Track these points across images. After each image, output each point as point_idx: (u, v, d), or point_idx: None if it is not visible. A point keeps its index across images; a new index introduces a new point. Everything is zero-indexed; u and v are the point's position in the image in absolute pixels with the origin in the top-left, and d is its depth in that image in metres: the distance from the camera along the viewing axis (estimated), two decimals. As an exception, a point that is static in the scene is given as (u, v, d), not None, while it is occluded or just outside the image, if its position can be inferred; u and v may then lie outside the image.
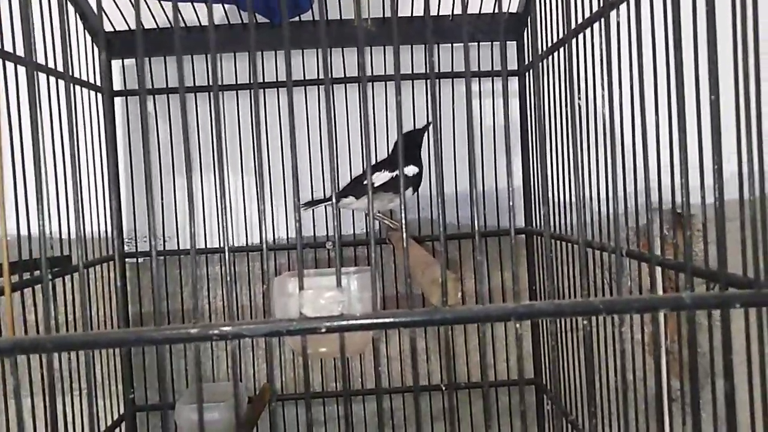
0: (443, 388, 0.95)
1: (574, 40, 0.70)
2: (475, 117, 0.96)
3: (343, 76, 0.94)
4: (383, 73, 0.94)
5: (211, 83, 0.92)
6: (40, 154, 0.35)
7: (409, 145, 0.87)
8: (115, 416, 0.87)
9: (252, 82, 0.93)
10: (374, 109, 0.94)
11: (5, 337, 0.33)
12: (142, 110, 0.35)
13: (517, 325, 0.35)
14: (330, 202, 0.84)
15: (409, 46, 0.91)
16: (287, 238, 0.97)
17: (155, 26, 0.88)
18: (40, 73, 0.69)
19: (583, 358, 0.70)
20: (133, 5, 0.83)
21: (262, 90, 0.94)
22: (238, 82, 0.94)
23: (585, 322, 0.36)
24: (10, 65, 0.67)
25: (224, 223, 0.35)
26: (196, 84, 0.93)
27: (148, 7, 0.86)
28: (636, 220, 0.58)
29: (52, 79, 0.74)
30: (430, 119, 0.90)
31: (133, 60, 0.93)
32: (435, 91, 0.37)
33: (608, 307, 0.35)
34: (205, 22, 0.91)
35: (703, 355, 0.69)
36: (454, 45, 0.94)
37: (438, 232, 0.95)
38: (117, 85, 0.94)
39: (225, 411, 0.83)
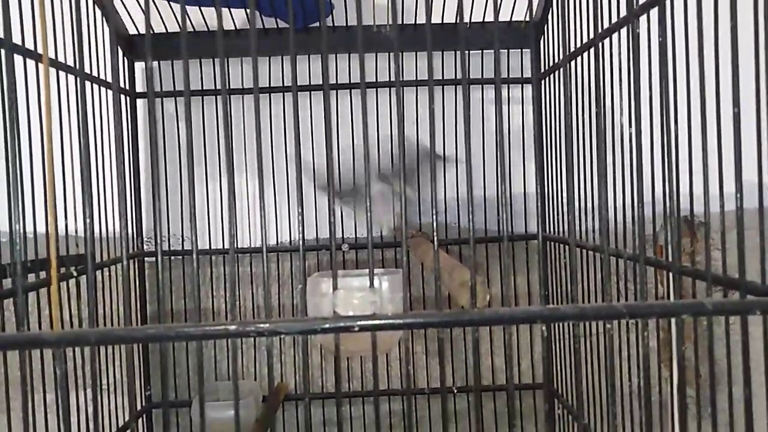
0: (455, 391, 0.96)
1: (593, 48, 0.71)
2: (489, 123, 0.97)
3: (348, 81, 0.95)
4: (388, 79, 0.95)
5: (238, 87, 0.94)
6: (89, 158, 0.36)
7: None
8: (133, 412, 0.89)
9: (284, 85, 0.94)
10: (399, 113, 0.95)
11: (51, 330, 0.34)
12: (186, 112, 0.37)
13: (543, 327, 0.36)
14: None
15: (425, 52, 0.92)
16: (304, 239, 0.98)
17: (165, 29, 0.90)
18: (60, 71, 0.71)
19: (597, 363, 0.71)
20: (158, 10, 0.85)
21: (295, 93, 0.95)
22: (271, 85, 0.95)
23: (609, 326, 0.37)
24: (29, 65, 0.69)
25: (264, 225, 0.36)
26: (204, 88, 0.94)
27: (171, 9, 0.87)
28: (653, 227, 0.59)
29: (72, 78, 0.75)
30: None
31: (155, 63, 0.95)
32: (467, 97, 0.39)
33: (631, 311, 0.36)
34: (221, 26, 0.92)
35: (716, 361, 0.69)
36: (471, 52, 0.95)
37: (449, 236, 0.97)
38: (139, 87, 0.96)
39: (241, 409, 0.84)
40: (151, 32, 0.90)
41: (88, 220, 0.37)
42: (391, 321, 0.34)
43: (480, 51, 0.95)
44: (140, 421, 0.91)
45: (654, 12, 0.53)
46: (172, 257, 0.97)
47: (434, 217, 0.38)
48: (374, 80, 0.94)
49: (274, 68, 0.95)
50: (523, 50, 0.96)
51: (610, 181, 0.63)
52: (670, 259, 0.57)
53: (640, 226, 0.39)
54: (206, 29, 0.91)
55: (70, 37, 0.72)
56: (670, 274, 0.74)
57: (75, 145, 0.72)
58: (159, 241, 0.39)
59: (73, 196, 0.71)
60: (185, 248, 0.97)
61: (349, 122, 0.94)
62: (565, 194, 0.81)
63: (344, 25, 0.92)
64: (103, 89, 0.82)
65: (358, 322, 0.34)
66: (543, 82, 0.92)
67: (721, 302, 0.36)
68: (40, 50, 0.67)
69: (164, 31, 0.90)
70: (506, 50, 0.95)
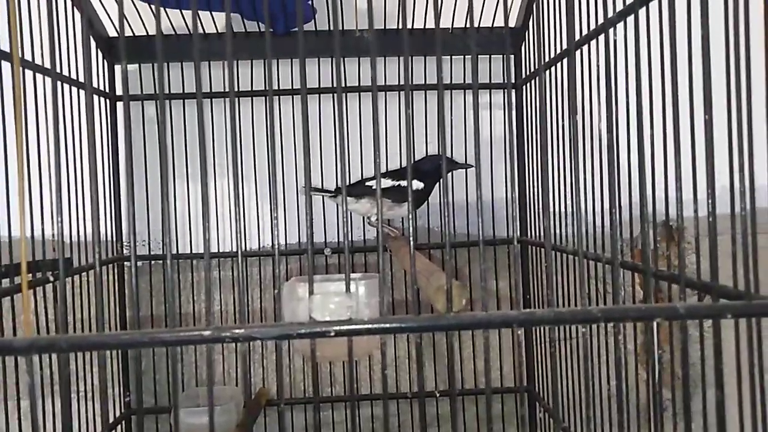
0: (437, 395, 0.96)
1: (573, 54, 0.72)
2: (470, 128, 0.98)
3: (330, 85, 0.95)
4: (374, 84, 0.95)
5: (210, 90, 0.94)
6: (60, 161, 0.36)
7: (426, 166, 0.88)
8: (111, 419, 0.87)
9: (266, 89, 0.94)
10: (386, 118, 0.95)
11: (22, 337, 0.34)
12: (161, 115, 0.36)
13: (519, 332, 0.36)
14: (331, 194, 0.88)
15: (408, 57, 0.93)
16: (286, 243, 0.98)
17: (146, 32, 0.89)
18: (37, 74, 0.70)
19: (577, 367, 0.71)
20: (138, 13, 0.84)
21: (270, 97, 0.95)
22: (253, 89, 0.94)
23: (584, 330, 0.37)
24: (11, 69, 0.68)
25: (239, 229, 0.36)
26: (185, 91, 0.94)
27: (152, 12, 0.87)
28: (630, 231, 0.60)
29: (62, 85, 0.74)
30: (470, 163, 0.92)
31: (136, 65, 0.94)
32: (442, 103, 0.39)
33: (606, 315, 0.36)
34: (205, 30, 0.92)
35: (692, 365, 0.70)
36: (453, 58, 0.96)
37: (432, 240, 0.97)
38: (119, 90, 0.95)
39: (221, 414, 0.84)
40: (132, 35, 0.90)
41: (60, 224, 0.37)
42: (366, 326, 0.34)
43: (462, 56, 0.96)
44: (119, 427, 0.90)
45: (630, 20, 0.53)
46: (153, 261, 0.96)
47: (412, 221, 0.38)
48: (356, 85, 0.94)
49: (256, 72, 0.94)
50: (506, 56, 0.97)
51: (589, 185, 0.64)
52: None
53: (614, 231, 0.40)
54: (187, 32, 0.90)
55: (47, 38, 0.72)
56: (618, 278, 0.75)
57: (51, 148, 0.71)
58: (133, 245, 0.38)
59: (50, 200, 0.70)
60: (165, 252, 0.96)
61: (332, 126, 0.94)
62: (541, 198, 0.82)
63: (327, 29, 0.92)
64: (81, 92, 0.81)
65: (334, 327, 0.34)
66: (524, 87, 0.92)
67: (694, 306, 0.36)
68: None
69: (145, 33, 0.90)
70: (488, 56, 0.96)
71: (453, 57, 0.96)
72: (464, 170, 0.95)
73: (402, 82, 0.93)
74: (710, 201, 0.40)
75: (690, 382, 0.43)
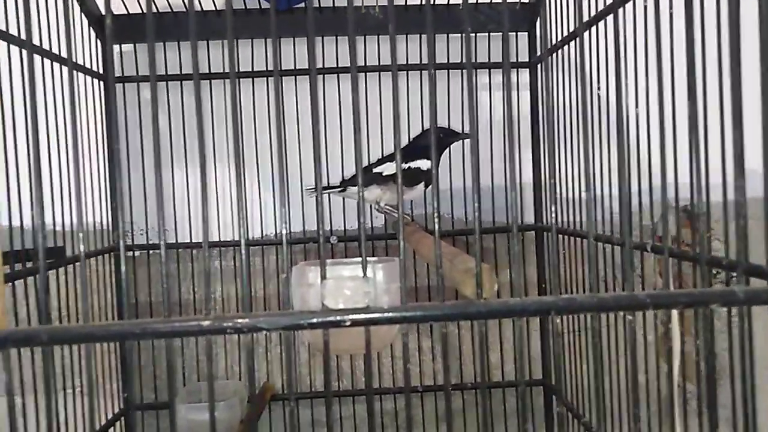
0: (449, 389, 0.92)
1: (587, 33, 0.68)
2: (482, 109, 0.93)
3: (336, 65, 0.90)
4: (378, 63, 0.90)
5: (202, 71, 0.89)
6: (38, 142, 0.32)
7: (429, 141, 0.83)
8: (110, 415, 0.84)
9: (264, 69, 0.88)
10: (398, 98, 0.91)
11: (-4, 329, 0.30)
12: (152, 95, 0.32)
13: (557, 320, 0.32)
14: (339, 189, 0.82)
15: (418, 35, 0.88)
16: (290, 232, 0.94)
17: (141, 10, 0.85)
18: (45, 61, 0.66)
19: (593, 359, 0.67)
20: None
21: (277, 78, 0.91)
22: (254, 69, 0.89)
23: (630, 317, 0.33)
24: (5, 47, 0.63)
25: (243, 216, 0.32)
26: (183, 72, 0.89)
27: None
28: (651, 217, 0.56)
29: (52, 65, 0.70)
30: (467, 132, 0.86)
31: (131, 45, 0.90)
32: (472, 83, 0.35)
33: (655, 301, 0.32)
34: (203, 7, 0.87)
35: (718, 354, 0.66)
36: (462, 35, 0.91)
37: (442, 227, 0.93)
38: (115, 71, 0.90)
39: (224, 410, 0.80)
40: (126, 13, 0.85)
41: (66, 212, 0.33)
42: (386, 314, 0.30)
43: (474, 34, 0.91)
44: (118, 424, 0.86)
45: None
46: (152, 251, 0.92)
47: (436, 203, 0.34)
48: (363, 65, 0.89)
49: (257, 51, 0.90)
50: (518, 33, 0.92)
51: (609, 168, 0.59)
52: (670, 248, 0.54)
53: (664, 217, 0.36)
54: (185, 10, 0.86)
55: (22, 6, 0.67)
56: (668, 265, 0.71)
57: (62, 135, 0.67)
58: (122, 233, 0.34)
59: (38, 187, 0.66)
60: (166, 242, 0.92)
61: (337, 108, 0.90)
62: (567, 184, 0.77)
63: (331, 6, 0.88)
64: (64, 69, 0.77)
65: (350, 316, 0.30)
66: (539, 66, 0.88)
67: (755, 290, 0.32)
68: None
69: (140, 11, 0.85)
70: (500, 33, 0.91)
71: (463, 35, 0.91)
72: (478, 153, 0.90)
73: (410, 62, 0.89)
74: (767, 179, 0.36)
75: (716, 373, 0.39)
